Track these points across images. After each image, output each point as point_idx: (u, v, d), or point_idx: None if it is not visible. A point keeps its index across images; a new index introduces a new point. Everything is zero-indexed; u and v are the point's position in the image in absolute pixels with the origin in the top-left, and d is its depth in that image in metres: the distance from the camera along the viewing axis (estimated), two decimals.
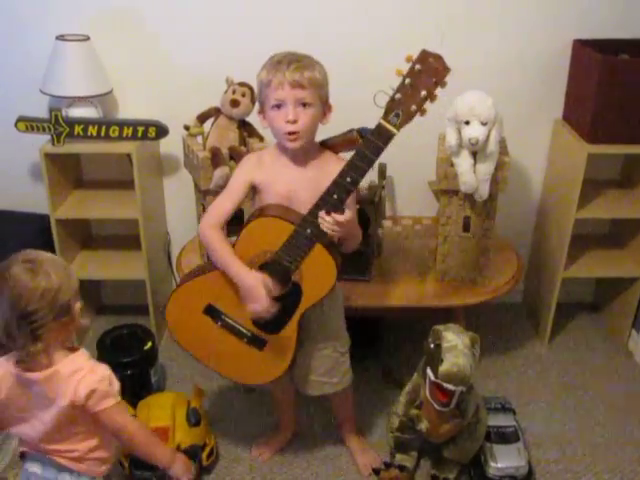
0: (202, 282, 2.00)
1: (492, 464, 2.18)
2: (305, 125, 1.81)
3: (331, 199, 1.78)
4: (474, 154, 2.33)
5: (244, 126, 2.46)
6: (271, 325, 1.96)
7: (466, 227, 2.46)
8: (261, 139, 2.45)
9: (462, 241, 2.48)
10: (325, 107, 1.87)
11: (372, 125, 1.76)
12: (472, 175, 2.31)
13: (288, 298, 1.92)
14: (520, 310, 3.13)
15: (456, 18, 2.59)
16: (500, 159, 2.34)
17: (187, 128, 2.48)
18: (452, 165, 2.36)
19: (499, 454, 2.20)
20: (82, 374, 1.58)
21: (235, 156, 2.35)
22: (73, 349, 1.65)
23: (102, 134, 2.52)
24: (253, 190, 1.98)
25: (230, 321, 1.98)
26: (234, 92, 2.38)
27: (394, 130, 1.72)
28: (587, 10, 2.60)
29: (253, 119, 2.45)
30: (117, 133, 2.53)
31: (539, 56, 2.67)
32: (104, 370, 1.63)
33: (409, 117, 1.72)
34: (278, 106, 1.81)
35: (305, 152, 1.89)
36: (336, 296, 2.07)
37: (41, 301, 1.51)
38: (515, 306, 3.14)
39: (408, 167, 2.74)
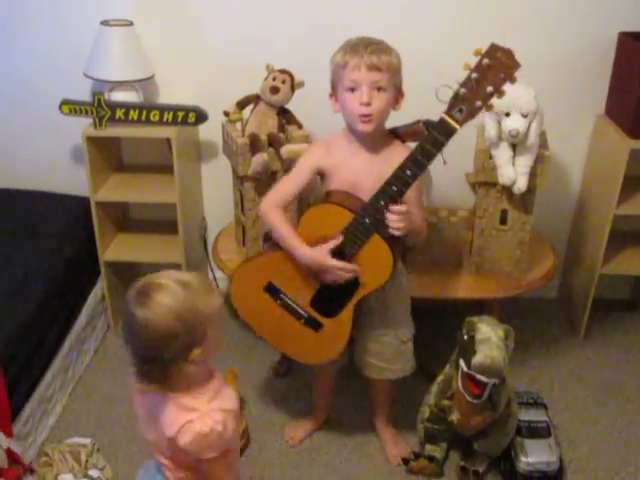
0: (266, 260, 2.07)
1: (522, 459, 2.17)
2: (379, 109, 1.82)
3: (390, 190, 1.79)
4: (513, 146, 2.31)
5: (283, 113, 2.47)
6: (327, 309, 2.01)
7: (503, 220, 2.44)
8: (300, 126, 2.46)
9: (499, 234, 2.46)
10: (398, 93, 1.87)
11: (435, 117, 1.75)
12: (511, 168, 2.29)
13: (345, 285, 1.94)
14: (555, 306, 3.10)
15: (502, 11, 2.57)
16: (540, 152, 2.32)
17: (227, 114, 2.50)
18: (491, 157, 2.34)
19: (530, 449, 2.19)
20: (192, 417, 1.42)
21: (274, 143, 2.37)
22: (210, 374, 1.51)
23: (143, 118, 2.55)
24: (320, 176, 2.00)
25: (289, 301, 2.04)
26: (274, 79, 2.39)
27: (456, 126, 1.70)
28: (634, 1, 2.55)
29: (292, 106, 2.46)
30: (157, 118, 2.56)
31: (583, 49, 2.62)
32: (218, 417, 1.43)
33: (473, 113, 1.70)
34: (352, 89, 1.81)
35: (374, 138, 1.90)
36: (400, 285, 2.09)
37: (171, 340, 1.36)
38: (550, 301, 3.11)
39: (445, 158, 2.72)
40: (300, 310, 2.04)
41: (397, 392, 2.38)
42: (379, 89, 1.81)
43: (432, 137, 1.74)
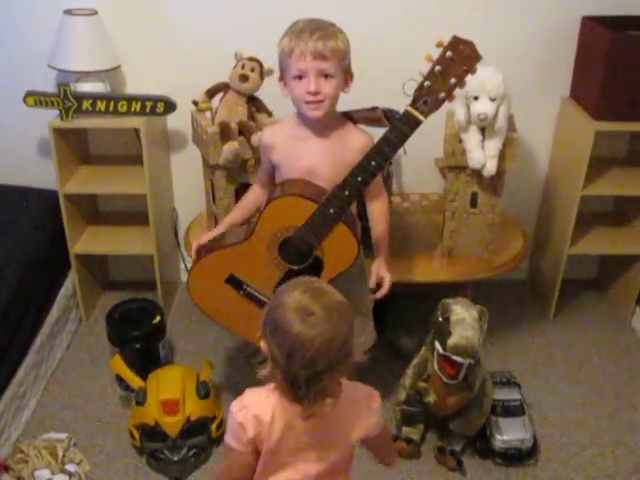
0: (225, 254, 2.06)
1: (498, 437, 2.22)
2: (327, 95, 1.82)
3: (355, 181, 1.80)
4: (482, 130, 2.33)
5: (253, 101, 2.46)
6: None
7: (473, 203, 2.48)
8: (270, 114, 2.45)
9: (469, 217, 2.49)
10: (347, 76, 1.87)
11: (395, 106, 1.75)
12: (480, 151, 2.32)
13: (309, 271, 1.95)
14: (525, 287, 3.15)
15: None
16: (508, 135, 2.35)
17: (196, 103, 2.48)
18: (460, 141, 2.37)
19: (505, 427, 2.23)
20: (370, 394, 1.46)
21: (244, 131, 2.36)
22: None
23: (110, 109, 2.52)
24: (273, 165, 2.01)
25: (252, 291, 2.04)
26: (243, 67, 2.38)
27: (421, 117, 1.72)
28: None
29: (262, 94, 2.46)
30: (125, 108, 2.53)
31: (547, 33, 2.66)
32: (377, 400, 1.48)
33: (437, 105, 1.72)
34: (299, 77, 1.81)
35: (325, 122, 1.90)
36: (360, 266, 2.10)
37: (331, 358, 1.29)
38: (520, 283, 3.16)
39: (414, 144, 2.72)
40: (264, 299, 2.04)
41: (374, 376, 2.40)
42: (326, 76, 1.81)
43: (397, 129, 1.75)
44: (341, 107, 1.95)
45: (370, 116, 1.97)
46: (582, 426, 2.41)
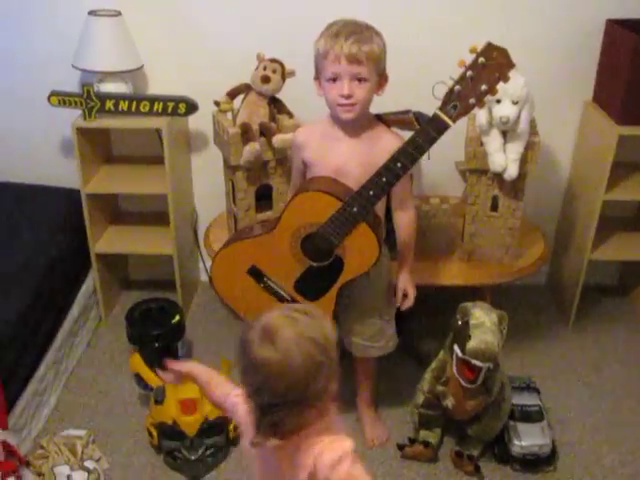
0: (250, 243, 2.09)
1: (516, 442, 2.20)
2: (360, 99, 1.84)
3: (380, 181, 1.81)
4: (504, 133, 2.32)
5: (274, 103, 2.46)
6: (311, 292, 2.03)
7: (494, 207, 2.46)
8: (291, 116, 2.45)
9: (490, 221, 2.47)
10: (382, 78, 1.88)
11: (426, 110, 1.76)
12: (502, 154, 2.31)
13: (329, 269, 1.96)
14: (545, 292, 3.13)
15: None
16: (530, 139, 2.33)
17: (217, 104, 2.49)
18: (482, 144, 2.36)
19: (523, 432, 2.22)
20: (342, 445, 1.28)
21: (265, 132, 2.36)
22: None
23: (133, 109, 2.54)
24: (304, 164, 2.02)
25: (272, 285, 2.06)
26: (265, 68, 2.38)
27: (450, 122, 1.73)
28: None
29: (283, 95, 2.46)
30: (147, 108, 2.55)
31: (571, 36, 2.64)
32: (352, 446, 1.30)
33: (467, 110, 1.72)
34: (334, 79, 1.83)
35: (358, 124, 1.91)
36: (384, 269, 2.11)
37: (291, 393, 1.20)
38: (540, 288, 3.14)
39: (436, 146, 2.72)
40: (283, 293, 2.07)
41: (392, 380, 2.41)
42: (360, 80, 1.82)
43: (425, 131, 1.76)
44: (375, 108, 1.96)
45: (402, 119, 1.99)
46: (602, 433, 2.38)
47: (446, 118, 1.72)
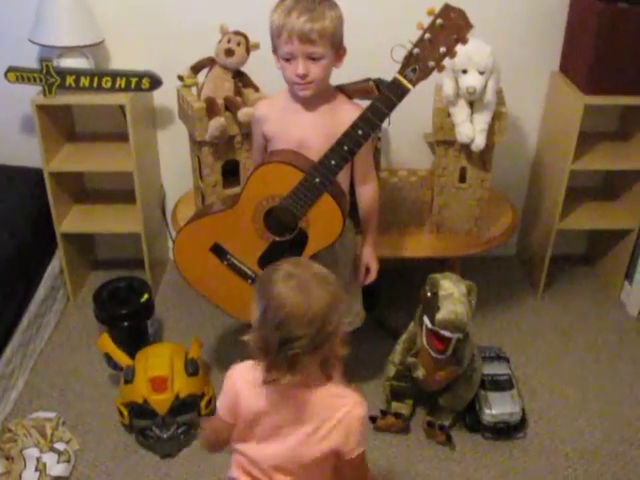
0: (210, 221, 2.05)
1: (486, 411, 2.22)
2: (315, 77, 1.81)
3: (342, 150, 1.79)
4: (471, 104, 2.31)
5: (239, 76, 2.42)
6: None
7: (462, 178, 2.46)
8: (256, 89, 2.42)
9: (458, 192, 2.48)
10: (339, 51, 1.85)
11: (387, 77, 1.74)
12: (469, 125, 2.30)
13: (293, 243, 1.94)
14: (514, 263, 3.15)
15: None
16: (497, 109, 2.33)
17: (181, 79, 2.44)
18: (449, 115, 2.35)
19: (493, 401, 2.24)
20: (346, 403, 1.39)
21: (231, 106, 2.33)
22: (328, 377, 1.44)
23: (94, 85, 2.48)
24: (265, 139, 1.99)
25: (235, 262, 2.03)
26: (229, 41, 2.34)
27: (409, 85, 1.71)
28: None
29: (248, 69, 2.42)
30: (110, 84, 2.49)
31: (538, 5, 2.63)
32: (365, 407, 1.42)
33: (426, 73, 1.71)
34: (288, 59, 1.80)
35: (318, 98, 1.89)
36: (348, 241, 2.09)
37: (308, 328, 1.29)
38: (509, 259, 3.16)
39: (403, 119, 2.71)
40: (247, 270, 2.04)
41: (362, 353, 2.41)
42: (315, 59, 1.79)
43: (385, 97, 1.74)
44: (335, 79, 1.94)
45: (362, 88, 1.96)
46: (570, 399, 2.42)
47: (405, 82, 1.70)
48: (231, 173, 2.45)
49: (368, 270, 2.12)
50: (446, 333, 1.98)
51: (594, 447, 2.24)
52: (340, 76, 1.96)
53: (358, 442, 1.41)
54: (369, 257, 2.11)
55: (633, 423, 2.33)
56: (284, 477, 1.44)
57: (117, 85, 2.49)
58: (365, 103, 1.94)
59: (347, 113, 1.84)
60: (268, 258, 2.00)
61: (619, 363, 2.58)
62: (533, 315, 2.83)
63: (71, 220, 2.76)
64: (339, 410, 1.38)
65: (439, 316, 1.97)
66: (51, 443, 2.15)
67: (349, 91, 1.96)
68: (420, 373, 2.15)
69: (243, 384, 1.44)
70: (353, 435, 1.39)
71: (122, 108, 2.52)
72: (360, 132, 1.77)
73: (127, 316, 2.45)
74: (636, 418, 2.35)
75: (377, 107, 1.74)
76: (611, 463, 2.19)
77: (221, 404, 1.49)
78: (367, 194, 2.04)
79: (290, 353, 1.29)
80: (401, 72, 1.71)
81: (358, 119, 1.76)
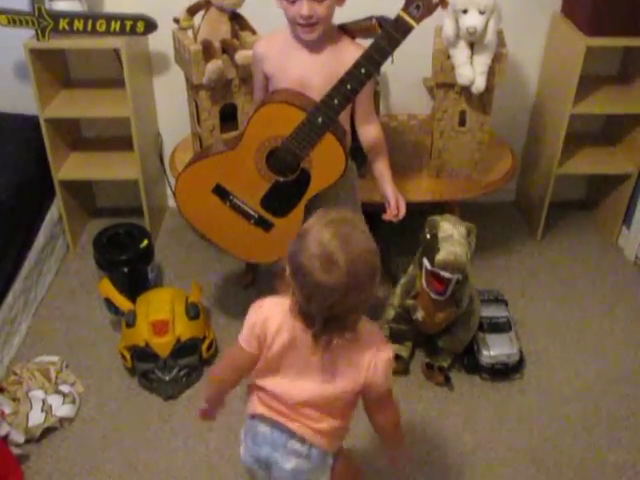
0: (212, 162, 2.04)
1: (485, 352, 2.25)
2: (321, 18, 1.78)
3: (344, 89, 1.78)
4: (471, 45, 2.28)
5: (236, 19, 2.38)
6: (278, 208, 2.00)
7: (462, 122, 2.44)
8: (253, 32, 2.38)
9: (458, 136, 2.46)
10: None
11: (391, 14, 1.71)
12: (469, 67, 2.27)
13: (296, 183, 1.94)
14: (513, 209, 3.16)
15: None
16: (497, 51, 2.30)
17: (177, 21, 2.40)
18: (449, 57, 2.32)
19: (492, 343, 2.27)
20: (377, 348, 1.41)
21: (228, 49, 2.30)
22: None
23: (89, 29, 2.43)
24: (266, 78, 1.97)
25: (238, 202, 2.04)
26: None
27: (413, 23, 1.69)
28: None
29: (245, 11, 2.38)
30: (104, 27, 2.44)
31: None
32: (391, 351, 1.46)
33: (430, 10, 1.69)
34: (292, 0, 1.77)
35: (321, 38, 1.86)
36: (350, 182, 2.09)
37: (348, 301, 1.28)
38: (508, 205, 3.16)
39: (403, 64, 2.67)
40: (250, 210, 2.05)
41: None
42: None
43: (388, 34, 1.72)
44: (337, 18, 1.90)
45: (365, 26, 1.94)
46: (567, 341, 2.45)
47: (409, 19, 1.68)
48: (229, 117, 2.43)
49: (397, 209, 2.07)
50: (446, 274, 1.99)
51: (589, 386, 2.28)
52: (342, 15, 1.92)
53: (386, 378, 1.42)
54: (394, 192, 2.06)
55: (627, 362, 2.36)
56: (310, 411, 1.44)
57: (111, 29, 2.45)
58: (368, 42, 1.92)
59: (350, 53, 1.81)
60: (271, 198, 2.01)
61: (615, 306, 2.60)
62: (531, 260, 2.84)
63: (68, 167, 2.74)
64: (370, 347, 1.39)
65: (439, 257, 1.98)
66: (56, 385, 2.18)
67: (351, 30, 1.93)
68: (419, 315, 2.17)
69: (275, 313, 1.41)
70: (383, 371, 1.40)
71: (117, 52, 2.49)
72: (363, 71, 1.75)
73: (127, 262, 2.46)
74: (630, 358, 2.38)
75: (380, 45, 1.72)
76: (606, 400, 2.23)
77: (244, 333, 1.45)
78: (371, 133, 2.03)
79: (335, 325, 1.31)
80: (405, 9, 1.68)
81: (361, 57, 1.74)
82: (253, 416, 1.51)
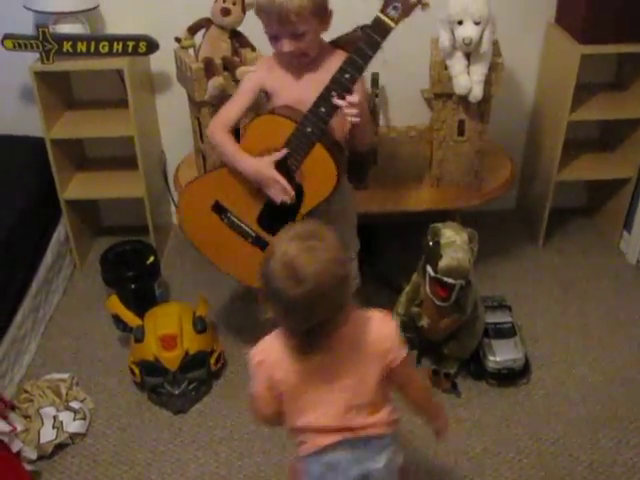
0: (211, 179, 2.07)
1: (491, 358, 2.27)
2: (304, 50, 1.83)
3: (329, 96, 1.80)
4: (467, 56, 2.32)
5: (236, 36, 2.42)
6: (274, 227, 2.00)
7: (461, 131, 2.47)
8: (253, 49, 2.42)
9: (457, 145, 2.49)
10: (325, 16, 1.84)
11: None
12: (466, 76, 2.31)
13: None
14: (513, 216, 3.18)
15: None
16: (493, 60, 2.34)
17: (178, 40, 2.45)
18: (446, 68, 2.36)
19: (497, 348, 2.29)
20: (374, 317, 1.45)
21: (229, 66, 2.34)
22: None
23: (92, 50, 2.48)
24: (266, 95, 2.00)
25: (235, 220, 2.05)
26: (224, 1, 2.34)
27: (391, 24, 1.71)
28: None
29: (245, 29, 2.42)
30: (107, 49, 2.49)
31: None
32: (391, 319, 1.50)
33: (408, 10, 1.71)
34: (273, 36, 1.82)
35: (313, 59, 1.89)
36: (345, 201, 2.10)
37: (324, 309, 1.32)
38: (508, 212, 3.19)
39: (400, 76, 2.73)
40: (247, 229, 2.06)
41: (364, 306, 2.44)
42: (298, 35, 1.79)
43: (368, 37, 1.74)
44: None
45: (353, 38, 1.96)
46: (571, 346, 2.47)
47: (388, 20, 1.71)
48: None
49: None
50: (449, 280, 2.02)
51: (595, 389, 2.29)
52: (335, 29, 1.96)
53: (399, 346, 1.44)
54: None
55: (632, 366, 2.38)
56: (359, 411, 1.45)
57: (114, 50, 2.50)
58: None
59: (336, 63, 1.84)
60: (267, 216, 2.02)
61: (618, 310, 2.62)
62: (534, 266, 2.86)
63: (74, 187, 2.78)
64: (372, 330, 1.42)
65: (441, 263, 2.01)
66: (66, 402, 2.20)
67: (343, 45, 1.97)
68: (424, 322, 2.19)
69: (275, 360, 1.42)
70: (392, 341, 1.43)
71: (120, 73, 2.53)
72: (347, 76, 1.77)
73: (134, 278, 2.49)
74: (635, 360, 2.40)
75: (361, 49, 1.75)
76: (612, 403, 2.24)
77: (255, 388, 1.46)
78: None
79: (319, 333, 1.34)
80: (382, 10, 1.71)
81: (344, 63, 1.78)
82: (317, 452, 1.47)
